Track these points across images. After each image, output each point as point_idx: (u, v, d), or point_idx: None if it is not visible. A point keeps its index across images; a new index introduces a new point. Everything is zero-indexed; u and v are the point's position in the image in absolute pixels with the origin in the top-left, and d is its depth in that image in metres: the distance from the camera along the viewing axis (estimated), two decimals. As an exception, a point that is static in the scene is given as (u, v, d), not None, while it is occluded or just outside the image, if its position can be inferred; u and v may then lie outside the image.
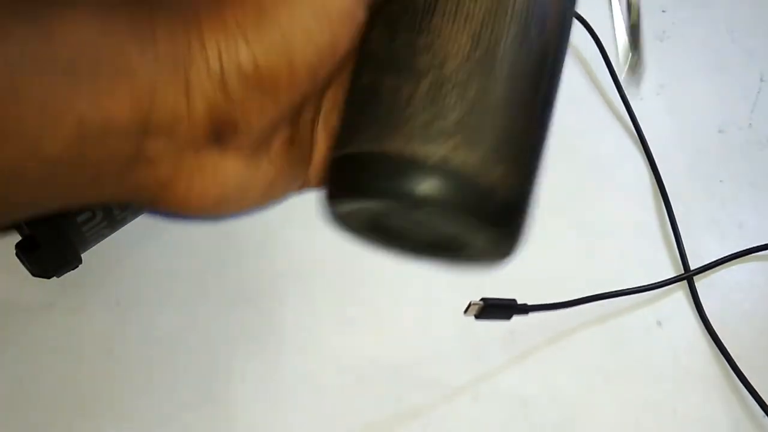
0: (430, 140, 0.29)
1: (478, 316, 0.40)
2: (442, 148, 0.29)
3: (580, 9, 0.55)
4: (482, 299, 0.39)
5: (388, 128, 0.30)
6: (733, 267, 0.46)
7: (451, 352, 0.43)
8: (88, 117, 0.26)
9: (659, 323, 0.45)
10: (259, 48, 0.28)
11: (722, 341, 0.44)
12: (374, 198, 0.30)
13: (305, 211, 0.46)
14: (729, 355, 0.43)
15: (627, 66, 0.36)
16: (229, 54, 0.28)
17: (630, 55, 0.35)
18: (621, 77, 0.36)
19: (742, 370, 0.43)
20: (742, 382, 0.43)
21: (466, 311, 0.40)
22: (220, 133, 0.29)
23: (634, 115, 0.50)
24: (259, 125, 0.30)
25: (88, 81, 0.26)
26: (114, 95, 0.27)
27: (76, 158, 0.27)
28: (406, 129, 0.29)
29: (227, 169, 0.31)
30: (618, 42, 0.36)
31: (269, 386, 0.42)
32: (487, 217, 0.30)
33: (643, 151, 0.49)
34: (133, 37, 0.27)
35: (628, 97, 0.51)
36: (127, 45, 0.27)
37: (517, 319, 0.44)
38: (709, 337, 0.44)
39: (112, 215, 0.38)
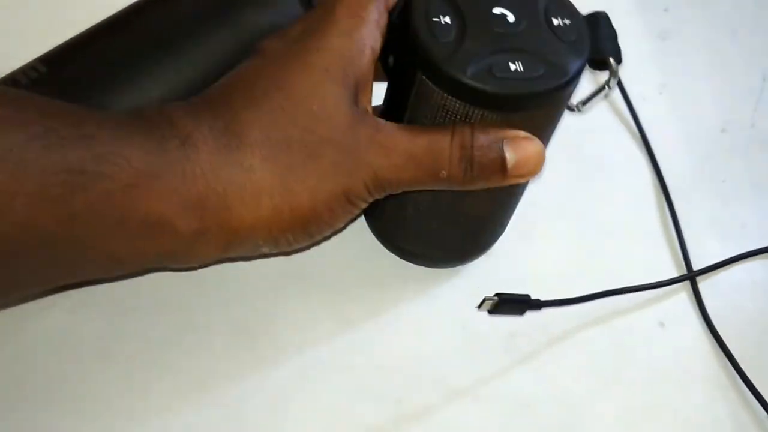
0: None
1: (491, 311, 0.40)
2: None
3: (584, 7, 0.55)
4: (496, 294, 0.39)
5: None
6: (737, 268, 0.46)
7: (452, 352, 0.43)
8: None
9: (662, 324, 0.44)
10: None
11: (725, 342, 0.43)
12: None
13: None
14: (732, 356, 0.43)
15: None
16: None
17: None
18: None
19: (746, 371, 0.43)
20: (746, 384, 0.42)
21: (480, 306, 0.40)
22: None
23: (637, 116, 0.50)
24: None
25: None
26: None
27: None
28: None
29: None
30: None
31: (268, 387, 0.42)
32: None
33: (645, 151, 0.49)
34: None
35: (631, 97, 0.51)
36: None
37: (518, 320, 0.44)
38: (712, 338, 0.44)
39: None
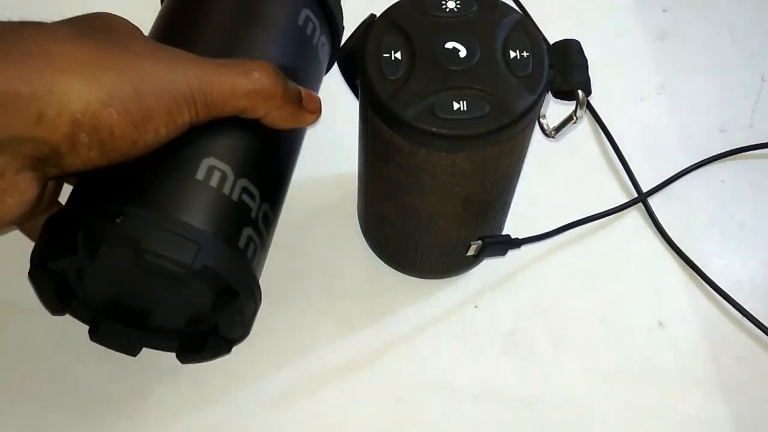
0: None
1: (477, 256, 0.41)
2: None
3: (581, 10, 0.55)
4: (479, 238, 0.40)
5: None
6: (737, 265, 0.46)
7: (452, 352, 0.43)
8: None
9: (661, 323, 0.44)
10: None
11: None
12: None
13: (303, 211, 0.46)
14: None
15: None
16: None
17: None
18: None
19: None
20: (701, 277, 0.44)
21: (467, 251, 0.41)
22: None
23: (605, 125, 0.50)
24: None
25: None
26: None
27: None
28: None
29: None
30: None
31: (268, 387, 0.42)
32: None
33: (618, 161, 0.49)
34: None
35: (629, 96, 0.51)
36: None
37: (517, 319, 0.44)
38: (711, 338, 0.44)
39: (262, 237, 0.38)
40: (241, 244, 0.35)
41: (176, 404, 0.41)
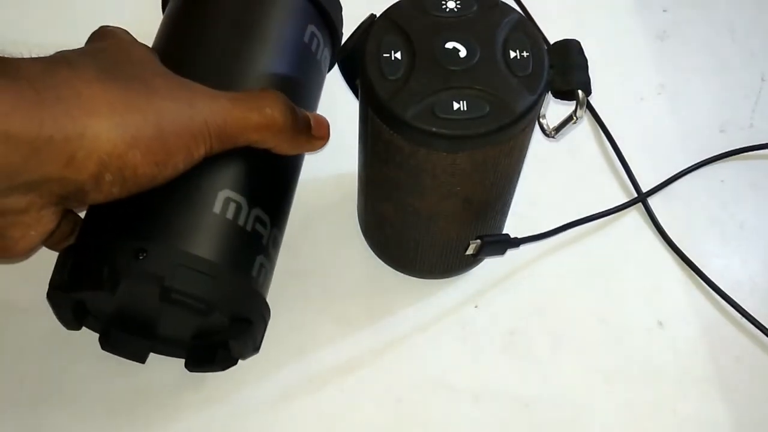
0: None
1: (476, 255, 0.41)
2: None
3: (581, 10, 0.55)
4: (478, 237, 0.40)
5: None
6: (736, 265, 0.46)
7: (451, 352, 0.43)
8: None
9: (660, 323, 0.44)
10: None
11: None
12: None
13: (303, 211, 0.46)
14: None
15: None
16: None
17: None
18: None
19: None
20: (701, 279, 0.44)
21: (466, 251, 0.40)
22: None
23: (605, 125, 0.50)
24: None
25: None
26: None
27: None
28: None
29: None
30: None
31: (268, 387, 0.42)
32: None
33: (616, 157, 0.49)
34: None
35: (629, 97, 0.51)
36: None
37: (517, 319, 0.44)
38: (710, 338, 0.44)
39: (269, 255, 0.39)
40: (254, 272, 0.37)
41: (176, 404, 0.41)
